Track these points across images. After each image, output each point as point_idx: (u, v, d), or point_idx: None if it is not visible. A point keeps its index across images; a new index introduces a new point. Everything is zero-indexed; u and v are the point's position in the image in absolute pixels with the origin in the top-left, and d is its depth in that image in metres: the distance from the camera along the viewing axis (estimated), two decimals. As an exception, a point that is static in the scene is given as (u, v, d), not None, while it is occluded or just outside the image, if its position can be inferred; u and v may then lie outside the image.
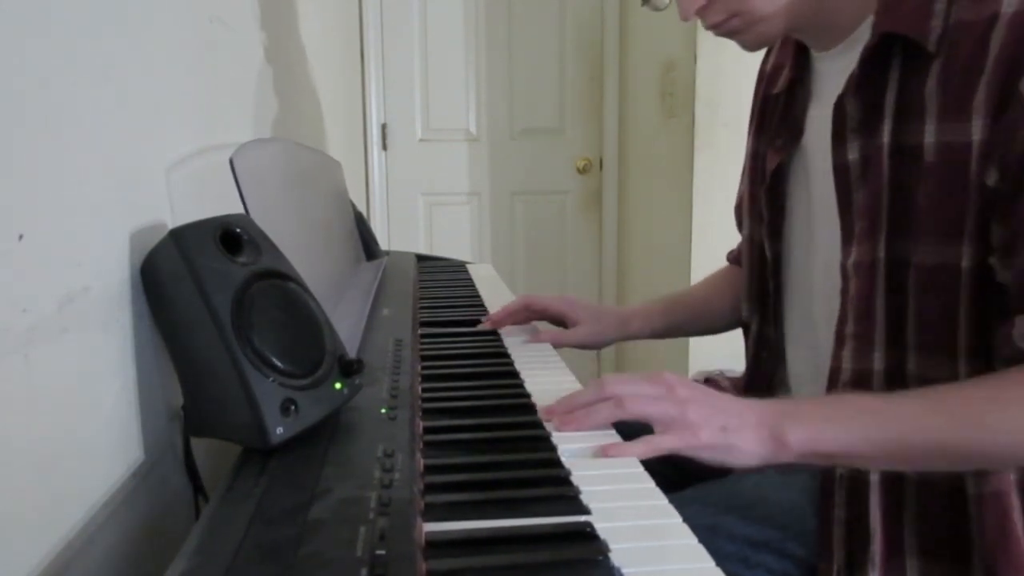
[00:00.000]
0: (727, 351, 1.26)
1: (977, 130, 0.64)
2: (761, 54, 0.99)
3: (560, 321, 1.06)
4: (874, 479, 0.72)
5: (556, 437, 0.65)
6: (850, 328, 0.74)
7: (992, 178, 0.63)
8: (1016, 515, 0.68)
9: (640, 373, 0.70)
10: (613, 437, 0.66)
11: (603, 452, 0.63)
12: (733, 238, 1.13)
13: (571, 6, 2.89)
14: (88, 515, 0.51)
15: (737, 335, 1.05)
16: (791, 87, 0.86)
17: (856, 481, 0.73)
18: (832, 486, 0.74)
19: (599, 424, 0.67)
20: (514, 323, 1.05)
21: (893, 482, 0.71)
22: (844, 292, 0.75)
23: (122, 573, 0.54)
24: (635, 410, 0.65)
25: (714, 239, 2.16)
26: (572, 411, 0.68)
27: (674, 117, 2.36)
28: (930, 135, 0.67)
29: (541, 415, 0.70)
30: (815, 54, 0.83)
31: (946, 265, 0.67)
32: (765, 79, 0.95)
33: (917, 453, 0.64)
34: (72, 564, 0.48)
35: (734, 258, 1.12)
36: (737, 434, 0.64)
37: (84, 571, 0.49)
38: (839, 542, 0.73)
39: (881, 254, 0.71)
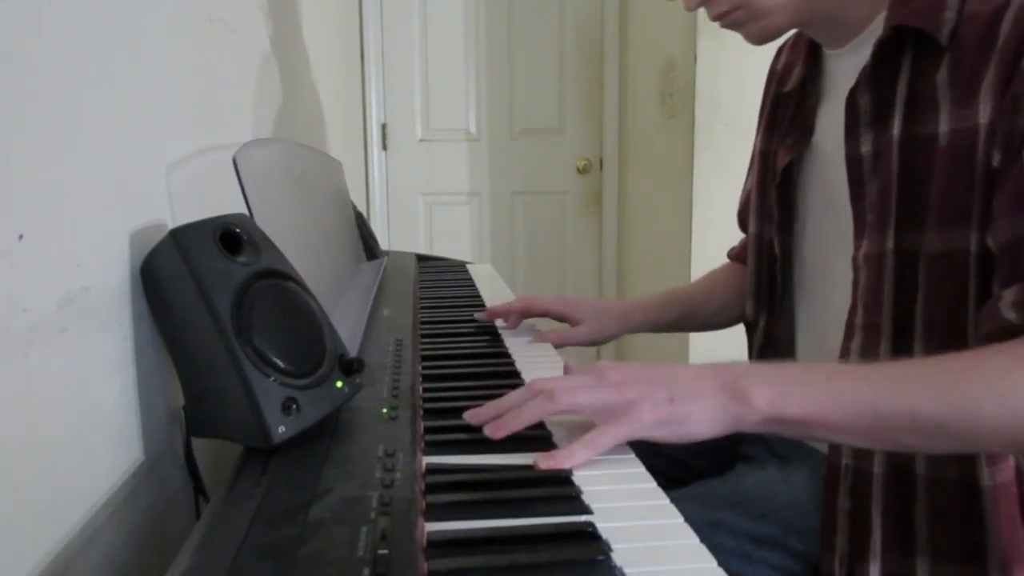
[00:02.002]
0: (728, 346, 1.26)
1: (984, 112, 0.64)
2: (765, 53, 0.99)
3: (561, 320, 1.06)
4: (877, 471, 0.71)
5: (558, 436, 0.65)
6: (859, 319, 0.74)
7: (996, 158, 0.63)
8: (1016, 507, 0.68)
9: (572, 369, 0.67)
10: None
11: (544, 466, 0.57)
12: (733, 237, 1.13)
13: (571, 6, 2.89)
14: (88, 515, 0.51)
15: (739, 330, 1.05)
16: (802, 85, 0.86)
17: (860, 473, 0.72)
18: (838, 477, 0.74)
19: (529, 421, 0.61)
20: (511, 319, 1.04)
21: (900, 477, 0.70)
22: (855, 284, 0.75)
23: (122, 573, 0.54)
24: (567, 400, 0.61)
25: (714, 239, 2.16)
26: (501, 414, 0.63)
27: (674, 117, 2.36)
28: (944, 124, 0.67)
29: (468, 419, 0.64)
30: (827, 52, 0.83)
31: (954, 251, 0.66)
32: (776, 78, 0.95)
33: (890, 424, 0.58)
34: (72, 564, 0.48)
35: (736, 255, 1.12)
36: (689, 403, 0.59)
37: (84, 571, 0.49)
38: (842, 533, 0.73)
39: (890, 245, 0.70)
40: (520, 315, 1.04)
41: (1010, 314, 0.60)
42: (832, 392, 0.60)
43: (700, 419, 0.59)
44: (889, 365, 0.63)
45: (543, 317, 1.06)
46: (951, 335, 0.67)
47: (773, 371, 0.63)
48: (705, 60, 2.15)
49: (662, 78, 2.44)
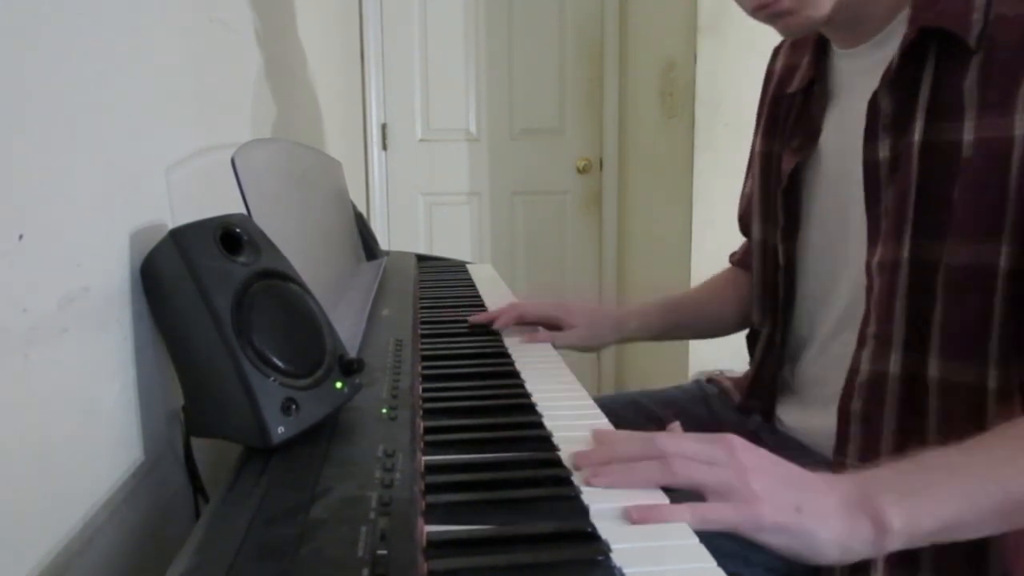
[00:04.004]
0: (728, 351, 1.26)
1: (1021, 123, 0.62)
2: (765, 54, 0.98)
3: (556, 326, 1.04)
4: None
5: (558, 436, 0.65)
6: (872, 328, 0.73)
7: None
8: None
9: (700, 435, 0.59)
10: (658, 496, 0.55)
11: (637, 517, 0.51)
12: (733, 238, 1.12)
13: (571, 6, 2.89)
14: (88, 515, 0.51)
15: (739, 337, 1.05)
16: (809, 86, 0.85)
17: None
18: None
19: (639, 485, 0.55)
20: (501, 325, 1.02)
21: None
22: (868, 291, 0.73)
23: (122, 573, 0.54)
24: (685, 474, 0.55)
25: (714, 239, 2.16)
26: (609, 463, 0.57)
27: (674, 117, 2.36)
28: (968, 132, 0.65)
29: (570, 462, 0.59)
30: (837, 52, 0.81)
31: (981, 265, 0.64)
32: (775, 79, 0.94)
33: (1016, 509, 0.56)
34: (72, 564, 0.48)
35: (737, 260, 1.10)
36: (816, 519, 0.53)
37: (84, 571, 0.49)
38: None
39: (905, 254, 0.69)
40: (511, 324, 1.02)
41: None
42: (963, 494, 0.56)
43: (827, 542, 0.53)
44: (993, 445, 0.59)
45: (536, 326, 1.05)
46: (971, 352, 0.65)
47: (897, 482, 0.57)
48: (705, 60, 2.15)
49: (662, 78, 2.44)
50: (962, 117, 0.66)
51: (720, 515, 0.53)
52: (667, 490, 0.55)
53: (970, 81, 0.66)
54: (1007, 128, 0.63)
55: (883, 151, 0.72)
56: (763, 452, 0.58)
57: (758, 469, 0.55)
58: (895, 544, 0.54)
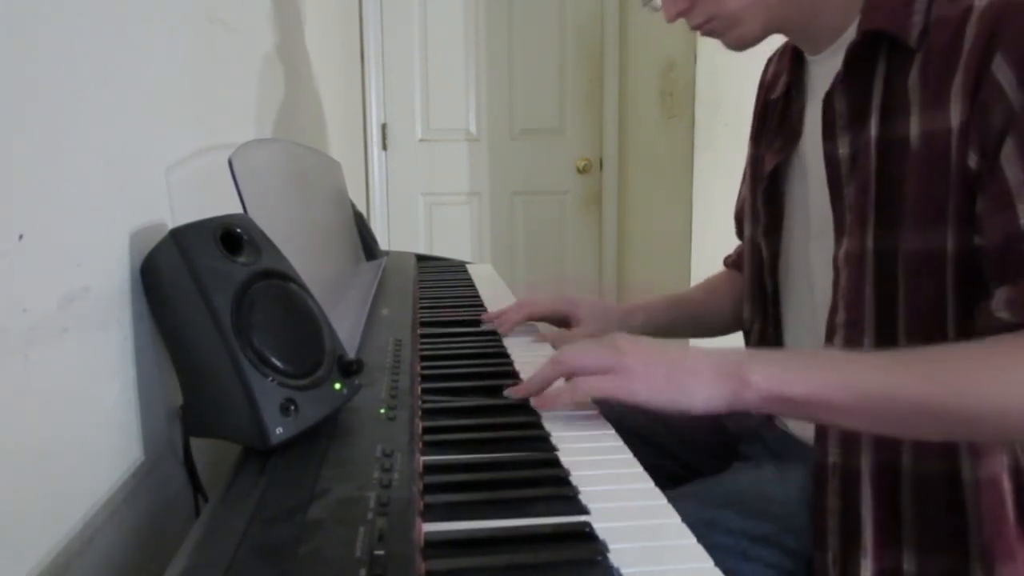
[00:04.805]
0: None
1: (955, 115, 0.66)
2: (765, 54, 0.99)
3: (563, 321, 1.06)
4: (865, 468, 0.72)
5: (556, 436, 0.65)
6: (840, 317, 0.75)
7: (973, 159, 0.65)
8: (1009, 501, 0.68)
9: (596, 340, 0.71)
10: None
11: (537, 404, 0.68)
12: (733, 238, 1.13)
13: (571, 6, 2.89)
14: (88, 515, 0.51)
15: (737, 336, 1.05)
16: (787, 91, 0.88)
17: (848, 471, 0.73)
18: (826, 475, 0.75)
19: (558, 407, 0.70)
20: (507, 326, 1.04)
21: (887, 472, 0.72)
22: (835, 284, 0.76)
23: (122, 573, 0.54)
24: (584, 389, 0.67)
25: (714, 239, 2.16)
26: (538, 391, 0.71)
27: (674, 117, 2.36)
28: (915, 126, 0.69)
29: (509, 394, 0.73)
30: (808, 58, 0.85)
31: (932, 251, 0.68)
32: (765, 87, 0.97)
33: (895, 407, 0.62)
34: (72, 564, 0.48)
35: (732, 262, 1.12)
36: (686, 377, 0.64)
37: (84, 571, 0.49)
38: (833, 531, 0.73)
39: (869, 244, 0.72)
40: (519, 324, 1.04)
41: (1003, 313, 0.63)
42: (838, 374, 0.63)
43: (696, 392, 0.64)
44: (893, 353, 0.65)
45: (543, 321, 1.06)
46: (933, 332, 0.69)
47: (778, 355, 0.67)
48: (705, 60, 2.15)
49: (662, 78, 2.44)
50: (908, 113, 0.70)
51: (596, 386, 0.65)
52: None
53: (913, 79, 0.70)
54: (944, 120, 0.67)
55: (843, 148, 0.76)
56: (640, 339, 0.70)
57: (633, 349, 0.67)
58: (755, 397, 0.63)
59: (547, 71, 2.92)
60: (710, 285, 1.15)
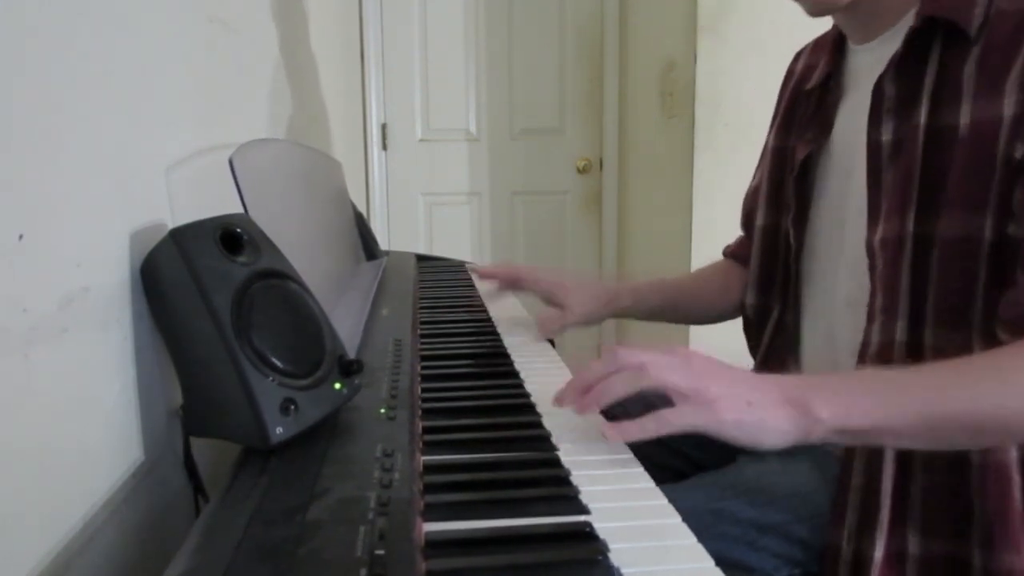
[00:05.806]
0: (726, 339, 1.26)
1: (1009, 106, 0.67)
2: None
3: (549, 303, 1.08)
4: (889, 449, 0.73)
5: (557, 436, 0.65)
6: (879, 302, 0.75)
7: (1020, 150, 0.66)
8: (1016, 491, 0.69)
9: (653, 345, 0.66)
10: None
11: (607, 434, 0.61)
12: (733, 237, 1.13)
13: (571, 6, 2.89)
14: (88, 515, 0.51)
15: (738, 325, 1.05)
16: (825, 82, 0.89)
17: (874, 450, 0.74)
18: (853, 453, 0.75)
19: (621, 394, 0.63)
20: (495, 281, 1.11)
21: (904, 454, 0.72)
22: (872, 269, 0.77)
23: (122, 573, 0.54)
24: (658, 376, 0.62)
25: (714, 238, 2.15)
26: (587, 388, 0.65)
27: (674, 117, 2.36)
28: (965, 115, 0.70)
29: (553, 404, 0.67)
30: (852, 48, 0.86)
31: (969, 237, 0.69)
32: (795, 78, 0.99)
33: (946, 426, 0.63)
34: (72, 564, 0.48)
35: (731, 252, 1.13)
36: (764, 410, 0.61)
37: (84, 571, 0.49)
38: (853, 507, 0.74)
39: (909, 229, 0.73)
40: (505, 283, 1.11)
41: None
42: (894, 402, 0.63)
43: (773, 429, 0.61)
44: (932, 370, 0.66)
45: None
46: (959, 320, 0.70)
47: (833, 383, 0.65)
48: (705, 60, 2.15)
49: (662, 78, 2.44)
50: (960, 102, 0.71)
51: (684, 419, 0.61)
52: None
53: (969, 69, 0.71)
54: (997, 109, 0.68)
55: (886, 134, 0.77)
56: (713, 359, 0.65)
57: (712, 373, 0.63)
58: (822, 432, 0.61)
59: (547, 71, 2.91)
60: (701, 274, 1.16)
